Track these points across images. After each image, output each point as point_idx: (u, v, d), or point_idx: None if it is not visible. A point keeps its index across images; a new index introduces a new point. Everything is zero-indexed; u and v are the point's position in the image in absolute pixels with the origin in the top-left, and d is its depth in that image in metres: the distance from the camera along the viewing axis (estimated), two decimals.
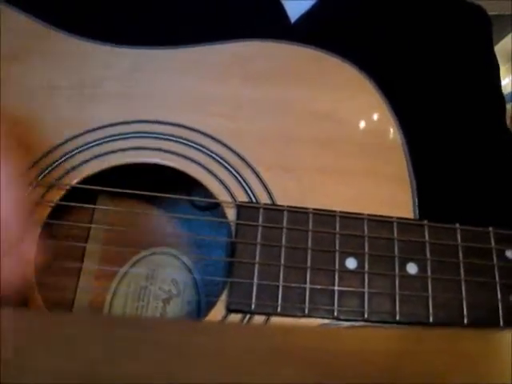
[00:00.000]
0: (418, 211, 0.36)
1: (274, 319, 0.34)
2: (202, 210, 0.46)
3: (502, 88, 0.54)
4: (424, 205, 0.37)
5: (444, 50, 0.48)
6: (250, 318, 0.34)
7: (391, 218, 0.36)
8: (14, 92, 0.39)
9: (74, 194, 0.38)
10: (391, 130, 0.39)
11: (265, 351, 0.17)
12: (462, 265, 0.34)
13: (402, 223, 0.35)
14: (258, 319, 0.34)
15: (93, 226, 0.44)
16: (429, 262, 0.34)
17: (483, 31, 0.52)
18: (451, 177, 0.44)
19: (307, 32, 0.45)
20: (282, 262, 0.34)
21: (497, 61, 0.52)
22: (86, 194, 0.38)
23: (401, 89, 0.42)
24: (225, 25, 0.45)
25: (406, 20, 0.49)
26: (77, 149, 0.38)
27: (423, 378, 0.16)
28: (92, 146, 0.38)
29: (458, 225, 0.36)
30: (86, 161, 0.37)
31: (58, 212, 0.38)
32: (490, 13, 0.53)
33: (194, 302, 0.45)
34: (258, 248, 0.34)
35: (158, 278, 0.46)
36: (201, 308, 0.45)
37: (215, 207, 0.43)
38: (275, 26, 0.46)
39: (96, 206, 0.43)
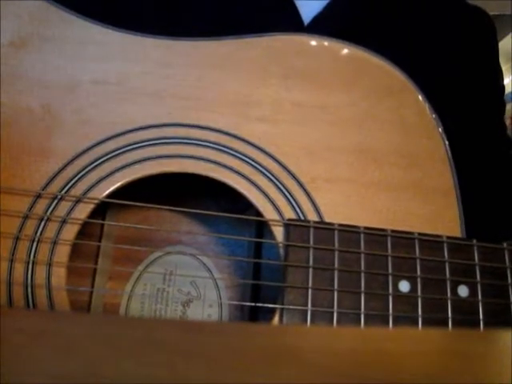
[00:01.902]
0: (464, 228, 0.36)
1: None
2: (225, 210, 0.43)
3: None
4: None
5: (449, 55, 0.48)
6: None
7: (441, 237, 0.35)
8: (25, 86, 0.33)
9: None
10: (436, 138, 0.37)
11: (265, 351, 0.17)
12: (510, 288, 0.34)
13: (452, 243, 0.35)
14: None
15: (106, 222, 0.40)
16: (479, 285, 0.34)
17: (488, 36, 0.52)
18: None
19: (320, 33, 0.43)
20: (336, 286, 0.33)
21: (500, 67, 0.53)
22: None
23: None
24: (238, 25, 0.42)
25: (415, 22, 0.48)
26: (105, 155, 0.33)
27: (423, 378, 0.16)
28: (121, 153, 0.34)
29: (505, 244, 0.35)
30: (116, 170, 0.33)
31: None
32: (490, 13, 0.53)
33: (216, 304, 0.43)
34: (311, 272, 0.33)
35: (175, 280, 0.44)
36: (223, 311, 0.44)
37: (244, 210, 0.41)
38: (289, 27, 0.44)
39: (106, 222, 0.39)
